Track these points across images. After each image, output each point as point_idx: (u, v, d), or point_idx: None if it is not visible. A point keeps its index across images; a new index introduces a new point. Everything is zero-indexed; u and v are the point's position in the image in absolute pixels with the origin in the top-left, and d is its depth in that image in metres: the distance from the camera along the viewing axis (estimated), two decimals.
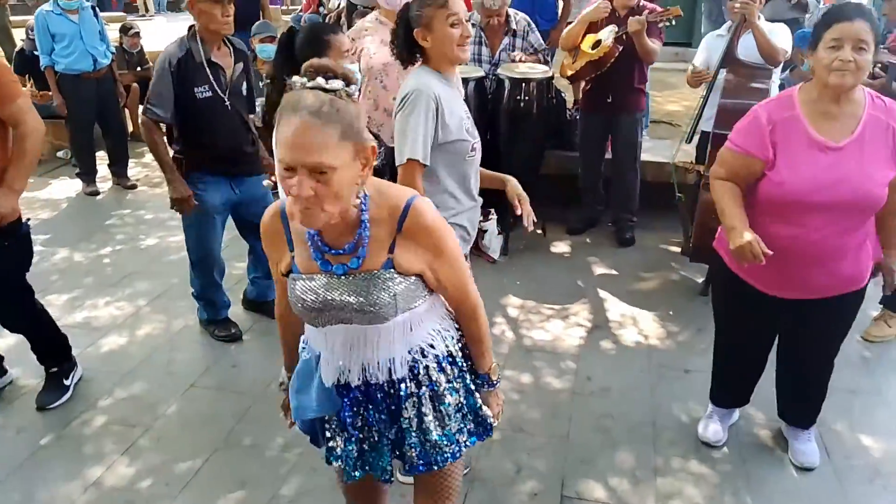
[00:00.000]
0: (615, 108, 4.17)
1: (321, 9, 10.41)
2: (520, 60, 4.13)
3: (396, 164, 2.12)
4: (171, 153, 3.04)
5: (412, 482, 1.80)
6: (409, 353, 1.52)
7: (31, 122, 2.50)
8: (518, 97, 4.03)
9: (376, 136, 2.57)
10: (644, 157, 4.45)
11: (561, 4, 5.40)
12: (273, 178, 2.90)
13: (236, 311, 3.54)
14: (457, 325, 1.63)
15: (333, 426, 1.57)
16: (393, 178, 2.14)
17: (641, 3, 3.99)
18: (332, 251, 1.41)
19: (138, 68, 6.74)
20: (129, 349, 3.33)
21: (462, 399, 1.60)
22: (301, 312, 1.46)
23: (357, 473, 1.59)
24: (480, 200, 2.33)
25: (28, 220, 2.73)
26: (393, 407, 1.55)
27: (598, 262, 4.25)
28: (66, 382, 2.93)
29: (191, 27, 2.99)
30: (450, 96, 2.13)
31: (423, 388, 1.53)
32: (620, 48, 3.94)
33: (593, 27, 4.05)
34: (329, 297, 1.41)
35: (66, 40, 5.11)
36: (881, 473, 2.54)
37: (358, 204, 1.37)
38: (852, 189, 2.03)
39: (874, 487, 2.48)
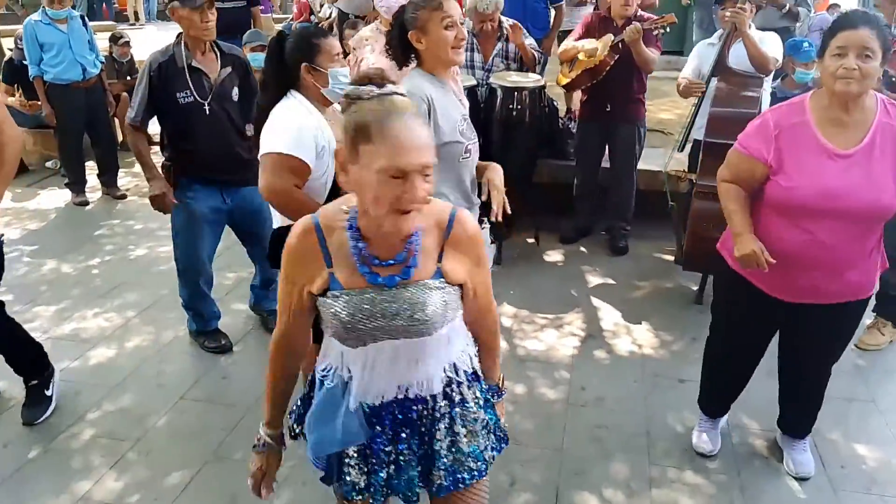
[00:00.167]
0: (614, 118, 4.18)
1: (312, 17, 10.43)
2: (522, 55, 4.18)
3: None
4: (163, 159, 3.08)
5: None
6: (444, 370, 1.50)
7: (8, 131, 2.46)
8: (510, 106, 4.03)
9: None
10: (637, 165, 4.46)
11: (553, 13, 5.41)
12: None
13: (226, 322, 3.50)
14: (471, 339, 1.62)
15: (355, 459, 1.49)
16: None
17: (639, 13, 4.00)
18: (382, 263, 1.37)
19: (128, 77, 6.72)
20: (117, 361, 3.28)
21: (485, 415, 1.59)
22: (343, 331, 1.39)
23: (381, 499, 1.54)
24: (479, 201, 2.31)
25: (2, 234, 2.68)
26: (423, 428, 1.51)
27: (591, 271, 4.24)
28: (48, 393, 2.88)
29: (179, 34, 2.99)
30: (443, 98, 2.13)
31: (456, 406, 1.51)
32: (616, 56, 3.94)
33: (591, 37, 4.06)
34: (381, 311, 1.36)
35: (54, 50, 5.08)
36: (877, 482, 2.53)
37: None
38: (860, 197, 2.03)
39: (870, 497, 2.47)
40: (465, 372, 1.54)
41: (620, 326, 3.61)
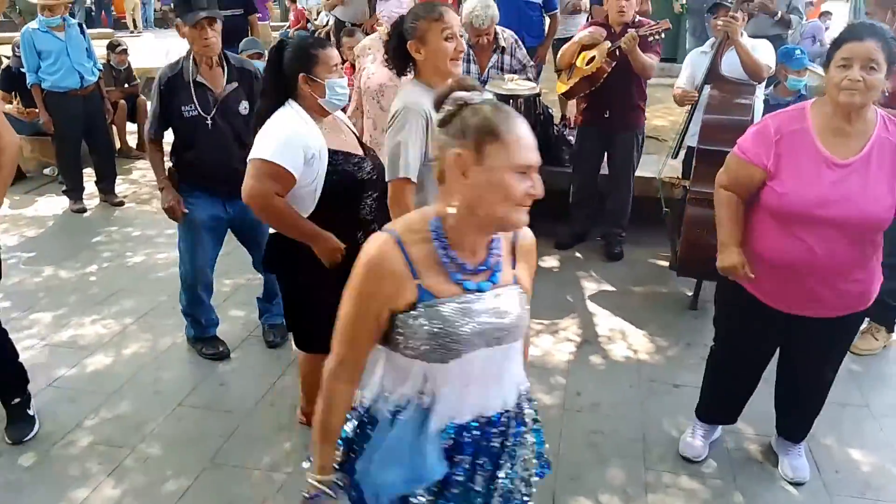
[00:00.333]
0: (613, 125, 4.20)
1: (309, 25, 10.47)
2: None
3: (387, 179, 2.12)
4: (170, 165, 3.18)
5: None
6: (518, 385, 1.50)
7: (6, 137, 2.48)
8: None
9: (376, 156, 2.57)
10: (635, 172, 4.48)
11: (548, 21, 5.45)
12: None
13: (224, 329, 3.50)
14: None
15: (427, 497, 1.40)
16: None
17: (638, 20, 4.03)
18: (472, 270, 1.37)
19: (125, 85, 6.75)
20: (115, 368, 3.29)
21: (534, 437, 1.57)
22: (435, 343, 1.33)
23: None
24: None
25: None
26: (498, 455, 1.47)
27: (587, 277, 4.26)
28: (31, 412, 2.83)
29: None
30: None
31: (522, 425, 1.50)
32: (614, 63, 3.97)
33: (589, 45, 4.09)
34: (477, 317, 1.35)
35: (52, 57, 5.09)
36: (871, 487, 2.55)
37: None
38: (854, 207, 2.04)
39: (865, 501, 2.49)
40: (526, 387, 1.54)
41: (616, 332, 3.63)
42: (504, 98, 4.04)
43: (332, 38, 6.28)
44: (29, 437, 2.76)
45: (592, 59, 4.04)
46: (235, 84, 3.06)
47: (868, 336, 3.41)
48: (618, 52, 3.93)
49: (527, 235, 1.47)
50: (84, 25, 5.54)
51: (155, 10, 17.28)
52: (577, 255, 4.55)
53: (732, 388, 2.62)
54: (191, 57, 3.02)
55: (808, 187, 2.08)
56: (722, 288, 2.49)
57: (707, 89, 3.69)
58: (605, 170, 4.47)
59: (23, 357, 2.87)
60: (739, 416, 2.70)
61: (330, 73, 2.30)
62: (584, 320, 3.75)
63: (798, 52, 4.05)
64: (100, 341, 3.51)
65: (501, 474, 1.46)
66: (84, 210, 5.46)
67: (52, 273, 4.31)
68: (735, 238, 2.26)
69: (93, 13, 15.33)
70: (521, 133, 1.29)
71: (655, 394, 3.09)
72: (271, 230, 2.46)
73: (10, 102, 5.89)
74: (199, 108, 3.00)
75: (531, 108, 4.15)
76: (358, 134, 2.62)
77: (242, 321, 3.69)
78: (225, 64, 3.07)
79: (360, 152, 2.42)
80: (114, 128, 6.19)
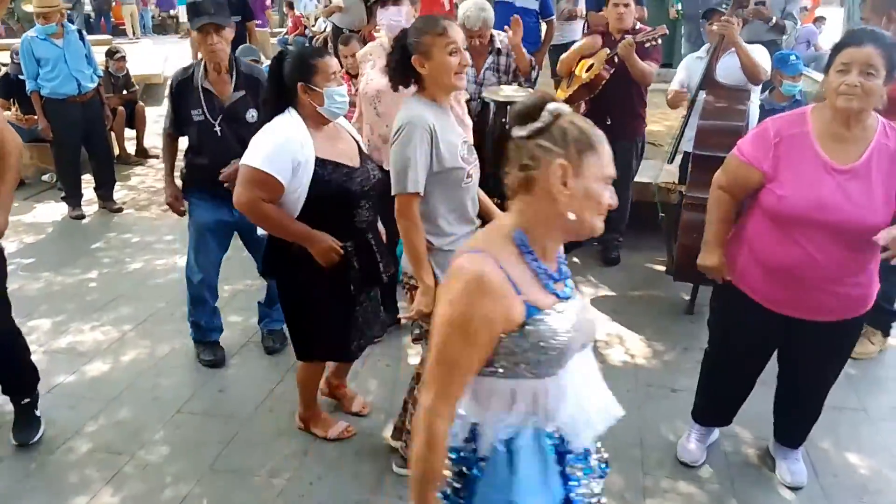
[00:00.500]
0: (614, 133, 4.19)
1: (307, 32, 10.50)
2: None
3: (393, 192, 2.14)
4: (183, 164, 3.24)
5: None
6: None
7: (11, 140, 2.53)
8: (503, 120, 4.06)
9: (376, 165, 2.59)
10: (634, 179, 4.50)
11: (544, 28, 5.47)
12: None
13: (223, 335, 3.49)
14: None
15: None
16: (391, 204, 2.17)
17: (637, 26, 4.05)
18: (557, 277, 1.40)
19: (124, 91, 6.77)
20: (113, 375, 3.29)
21: None
22: (545, 357, 1.33)
23: None
24: (478, 222, 2.35)
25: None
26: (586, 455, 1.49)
27: (584, 282, 4.27)
28: (38, 413, 2.85)
29: None
30: (444, 125, 2.15)
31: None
32: (612, 70, 3.98)
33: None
34: (576, 323, 1.37)
35: (49, 65, 5.10)
36: (869, 491, 2.56)
37: None
38: (850, 213, 2.05)
39: None
40: None
41: (613, 336, 3.64)
42: (502, 105, 4.06)
43: (330, 45, 6.31)
44: (34, 440, 2.78)
45: (591, 66, 4.06)
46: (242, 92, 3.06)
47: (864, 340, 3.41)
48: (616, 59, 3.95)
49: None
50: (84, 32, 5.55)
51: (153, 17, 17.33)
52: (575, 259, 4.57)
53: (726, 391, 2.63)
54: (202, 62, 3.06)
55: (807, 191, 2.09)
56: (718, 290, 2.50)
57: (702, 95, 3.71)
58: None
59: None
60: (737, 420, 2.70)
61: (328, 82, 2.33)
62: None
63: (793, 57, 4.08)
64: (99, 348, 3.52)
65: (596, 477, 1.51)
66: (83, 216, 5.47)
67: (51, 279, 4.31)
68: (720, 239, 2.34)
69: (91, 20, 15.38)
70: (608, 146, 1.35)
71: (653, 398, 3.10)
72: (263, 233, 2.51)
73: (9, 109, 5.90)
74: (206, 114, 3.03)
75: None
76: (362, 142, 2.64)
77: (241, 327, 3.70)
78: (234, 71, 3.07)
79: (356, 163, 2.44)
80: (112, 134, 6.20)
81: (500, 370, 1.33)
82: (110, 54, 6.73)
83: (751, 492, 2.55)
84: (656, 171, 4.14)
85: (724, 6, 3.84)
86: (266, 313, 3.50)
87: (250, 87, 3.08)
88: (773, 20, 4.93)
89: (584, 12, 5.68)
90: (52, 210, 5.64)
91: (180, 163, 3.25)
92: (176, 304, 3.90)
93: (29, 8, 5.30)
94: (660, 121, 5.92)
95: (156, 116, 7.88)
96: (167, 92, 3.17)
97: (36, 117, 5.41)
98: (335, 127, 2.49)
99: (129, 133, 6.92)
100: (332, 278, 2.42)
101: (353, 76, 4.38)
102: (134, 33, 15.43)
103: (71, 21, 5.58)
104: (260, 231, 2.56)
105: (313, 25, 10.09)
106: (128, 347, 3.53)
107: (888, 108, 2.23)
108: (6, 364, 2.76)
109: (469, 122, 2.37)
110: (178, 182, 3.27)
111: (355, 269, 2.45)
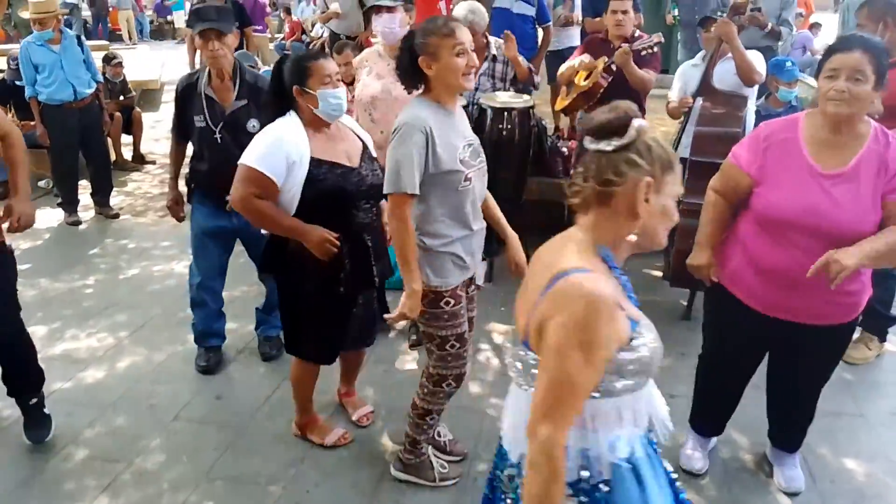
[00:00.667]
0: None
1: (304, 37, 10.52)
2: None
3: (385, 192, 2.15)
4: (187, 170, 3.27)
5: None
6: None
7: (14, 131, 2.62)
8: (500, 126, 4.08)
9: (378, 167, 2.60)
10: None
11: (541, 34, 5.49)
12: None
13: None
14: None
15: None
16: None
17: (637, 34, 4.06)
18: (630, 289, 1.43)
19: (121, 97, 6.76)
20: (110, 382, 3.28)
21: None
22: (639, 370, 1.34)
23: None
24: (481, 225, 2.35)
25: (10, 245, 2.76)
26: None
27: None
28: (47, 412, 2.88)
29: None
30: (445, 127, 2.15)
31: None
32: (610, 78, 3.98)
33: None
34: (654, 331, 1.42)
35: (46, 70, 5.10)
36: (866, 496, 2.56)
37: None
38: (837, 218, 2.06)
39: None
40: None
41: None
42: (499, 111, 4.08)
43: (327, 51, 6.31)
44: (48, 439, 2.81)
45: (590, 74, 4.07)
46: (245, 101, 3.03)
47: (861, 345, 3.43)
48: (613, 68, 3.95)
49: None
50: (83, 37, 5.55)
51: (151, 22, 17.35)
52: None
53: (719, 394, 2.63)
54: (207, 69, 3.06)
55: (792, 195, 2.11)
56: (711, 292, 2.51)
57: (699, 101, 3.72)
58: None
59: None
60: (734, 426, 2.71)
61: (323, 85, 2.35)
62: None
63: (789, 63, 4.10)
64: (94, 355, 3.51)
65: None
66: (79, 222, 5.45)
67: (47, 286, 4.30)
68: (711, 241, 2.37)
69: (88, 25, 15.37)
70: (679, 166, 1.40)
71: None
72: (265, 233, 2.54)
73: (6, 114, 5.89)
74: (208, 120, 3.03)
75: (526, 121, 4.17)
76: (371, 144, 2.65)
77: (238, 333, 3.69)
78: (238, 79, 3.04)
79: (355, 163, 2.45)
80: (109, 140, 6.19)
81: (599, 392, 1.33)
82: (107, 60, 6.72)
83: (748, 498, 2.55)
84: None
85: (720, 13, 3.86)
86: (263, 319, 3.50)
87: (253, 96, 3.04)
88: (769, 26, 4.95)
89: (581, 19, 5.70)
90: (49, 216, 5.62)
91: (187, 168, 3.26)
92: (173, 310, 3.89)
93: (26, 14, 5.30)
94: (657, 127, 5.94)
95: (152, 122, 7.89)
96: (174, 95, 3.19)
97: (33, 123, 5.40)
98: (339, 128, 2.51)
99: (126, 139, 6.92)
100: (325, 277, 2.43)
101: (347, 84, 4.38)
102: (131, 39, 15.44)
103: (69, 27, 5.56)
104: (263, 231, 2.61)
105: (311, 31, 10.09)
106: (124, 354, 3.52)
107: (885, 115, 2.25)
108: (15, 365, 2.78)
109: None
110: (183, 188, 3.29)
111: (346, 270, 2.46)
